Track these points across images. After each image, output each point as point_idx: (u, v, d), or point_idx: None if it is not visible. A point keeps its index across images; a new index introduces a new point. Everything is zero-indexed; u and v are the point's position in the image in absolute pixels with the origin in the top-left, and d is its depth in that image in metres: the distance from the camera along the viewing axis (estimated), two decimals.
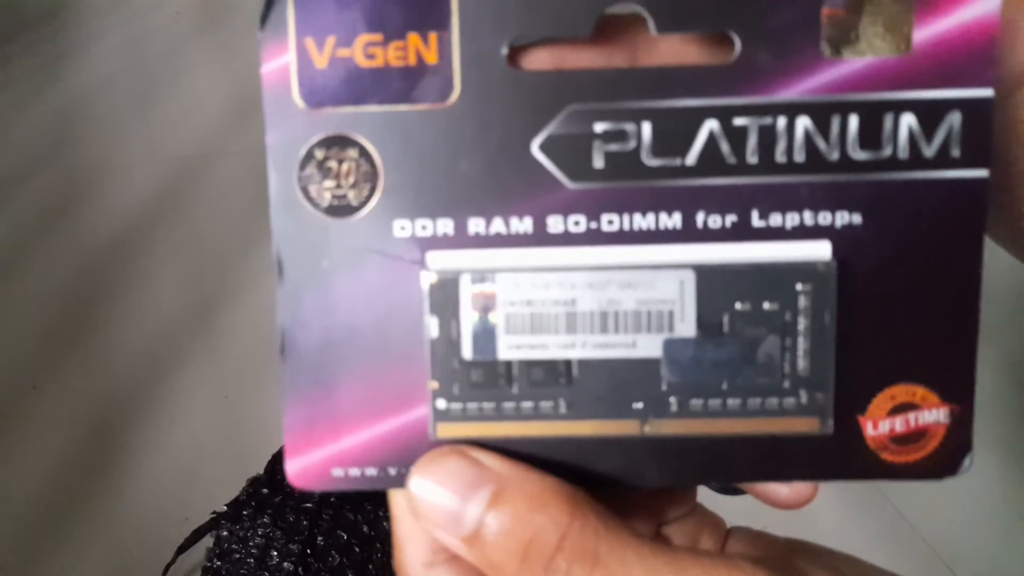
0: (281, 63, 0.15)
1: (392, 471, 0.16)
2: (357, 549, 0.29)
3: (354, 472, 0.16)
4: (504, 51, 0.15)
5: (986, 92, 0.14)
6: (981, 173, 0.15)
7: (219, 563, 0.29)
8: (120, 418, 0.39)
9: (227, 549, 0.29)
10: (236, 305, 0.43)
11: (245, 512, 0.29)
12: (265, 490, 0.29)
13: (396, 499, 0.16)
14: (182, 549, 0.30)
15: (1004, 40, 0.14)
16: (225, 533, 0.29)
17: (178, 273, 0.45)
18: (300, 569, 0.28)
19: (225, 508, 0.29)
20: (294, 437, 0.15)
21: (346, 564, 0.28)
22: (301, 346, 0.15)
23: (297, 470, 0.16)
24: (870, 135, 0.15)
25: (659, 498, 0.18)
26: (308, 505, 0.29)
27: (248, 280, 0.44)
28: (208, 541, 0.30)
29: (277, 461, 0.31)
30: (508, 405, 0.15)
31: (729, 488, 0.35)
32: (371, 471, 0.16)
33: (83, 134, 0.50)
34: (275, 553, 0.29)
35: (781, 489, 0.17)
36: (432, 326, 0.15)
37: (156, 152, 0.50)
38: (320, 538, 0.29)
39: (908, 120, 0.15)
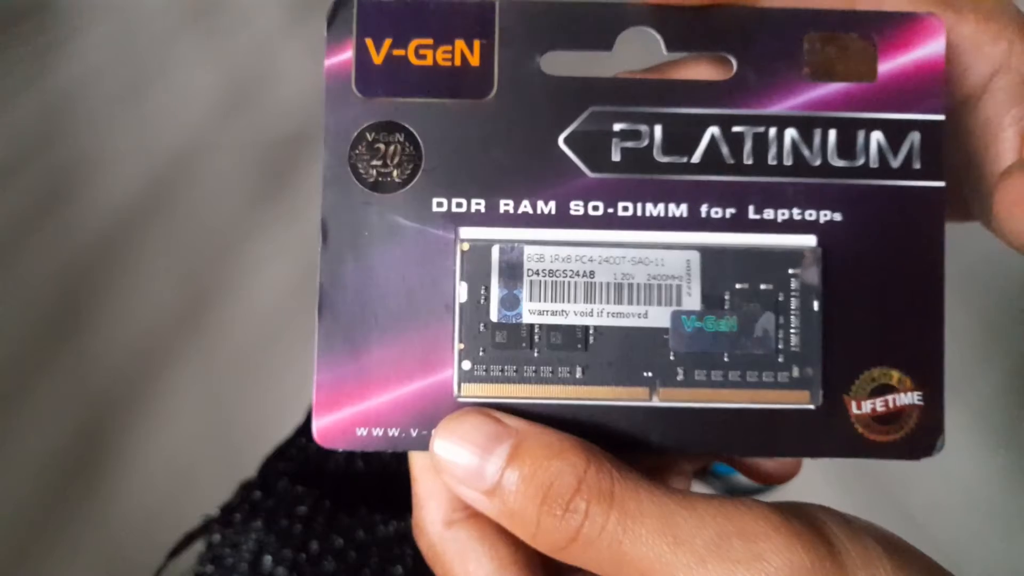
0: (343, 58, 0.17)
1: (414, 432, 0.17)
2: (352, 554, 0.29)
3: (377, 432, 0.17)
4: (537, 59, 0.17)
5: (939, 117, 0.17)
6: (938, 184, 0.17)
7: (211, 568, 0.28)
8: (109, 419, 0.38)
9: (219, 554, 0.29)
10: (228, 303, 0.42)
11: (237, 516, 0.29)
12: (258, 493, 0.30)
13: (416, 459, 0.17)
14: (173, 554, 0.30)
15: (957, 62, 0.17)
16: (217, 537, 0.29)
17: (169, 270, 0.43)
18: (294, 575, 0.28)
19: (217, 512, 0.29)
20: (323, 396, 0.17)
21: (341, 570, 0.28)
22: (337, 308, 0.17)
23: (323, 427, 0.17)
24: (846, 147, 0.17)
25: (658, 476, 0.19)
26: (302, 509, 0.29)
27: (241, 277, 0.43)
28: (199, 546, 0.30)
29: (269, 464, 0.31)
30: (528, 368, 0.16)
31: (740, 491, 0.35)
32: (393, 431, 0.17)
33: (72, 127, 0.49)
34: (268, 558, 0.28)
35: (767, 463, 0.18)
36: (462, 291, 0.17)
37: (146, 146, 0.48)
38: (314, 543, 0.29)
39: (877, 136, 0.17)
